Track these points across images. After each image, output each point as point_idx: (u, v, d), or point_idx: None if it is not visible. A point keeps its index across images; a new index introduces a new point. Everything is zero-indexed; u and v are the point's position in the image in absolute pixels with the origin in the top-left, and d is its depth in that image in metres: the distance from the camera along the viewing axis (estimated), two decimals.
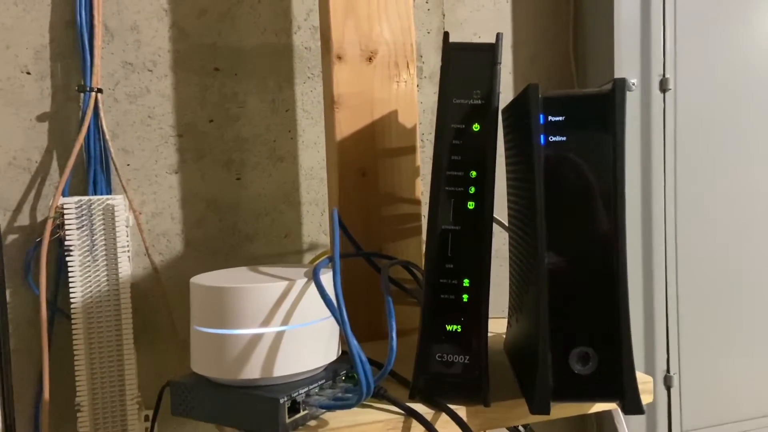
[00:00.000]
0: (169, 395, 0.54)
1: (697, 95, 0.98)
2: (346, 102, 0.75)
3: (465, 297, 0.53)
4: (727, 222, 1.01)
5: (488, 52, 0.53)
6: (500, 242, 1.01)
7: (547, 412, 0.50)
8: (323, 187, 0.92)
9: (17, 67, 0.79)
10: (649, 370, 0.98)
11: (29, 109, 0.79)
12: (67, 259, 0.73)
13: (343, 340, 0.51)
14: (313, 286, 0.52)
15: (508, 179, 0.67)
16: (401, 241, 0.78)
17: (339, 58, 0.75)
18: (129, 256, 0.76)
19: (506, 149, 0.66)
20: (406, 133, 0.78)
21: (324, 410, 0.52)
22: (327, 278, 0.53)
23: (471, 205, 0.53)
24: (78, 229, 0.73)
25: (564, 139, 0.50)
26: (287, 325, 0.51)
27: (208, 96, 0.87)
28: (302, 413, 0.50)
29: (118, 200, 0.75)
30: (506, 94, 1.03)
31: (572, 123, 0.50)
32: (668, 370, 0.98)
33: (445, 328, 0.53)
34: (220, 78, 0.87)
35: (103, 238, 0.74)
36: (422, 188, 0.84)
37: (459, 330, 0.53)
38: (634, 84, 0.95)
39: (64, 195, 0.77)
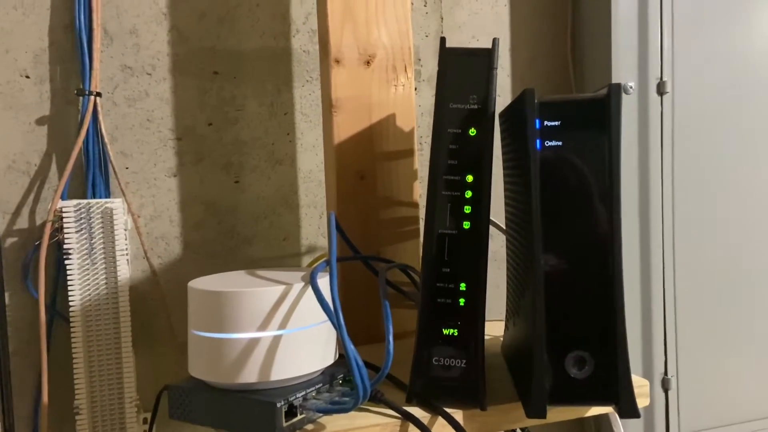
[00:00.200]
0: (166, 399, 0.54)
1: (695, 98, 0.98)
2: (344, 105, 0.75)
3: (462, 301, 0.53)
4: (725, 224, 1.01)
5: (485, 57, 0.53)
6: (499, 245, 1.01)
7: (544, 416, 0.50)
8: (322, 190, 0.93)
9: (16, 70, 0.79)
10: (647, 373, 0.98)
11: (28, 113, 0.79)
12: (66, 262, 0.73)
13: (341, 343, 0.51)
14: (310, 290, 0.52)
15: (505, 183, 0.67)
16: (399, 244, 0.78)
17: (337, 61, 0.75)
18: (128, 260, 0.76)
19: (503, 153, 0.66)
20: (404, 137, 0.78)
21: (321, 414, 0.52)
22: (324, 282, 0.53)
23: (468, 209, 0.53)
24: (77, 232, 0.74)
25: (560, 143, 0.51)
26: (284, 329, 0.51)
27: (207, 99, 0.87)
28: (299, 417, 0.50)
29: (116, 203, 0.75)
30: (504, 97, 1.03)
31: (568, 128, 0.50)
32: (666, 373, 0.98)
33: (442, 332, 0.54)
34: (219, 81, 0.88)
35: (101, 241, 0.75)
36: (420, 191, 0.84)
37: (456, 334, 0.53)
38: (631, 87, 0.95)
39: (62, 198, 0.77)
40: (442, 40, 0.55)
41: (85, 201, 0.74)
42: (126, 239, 0.76)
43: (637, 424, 0.98)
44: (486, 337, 0.55)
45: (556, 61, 1.05)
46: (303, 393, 0.51)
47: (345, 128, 0.76)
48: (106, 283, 0.75)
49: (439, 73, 0.54)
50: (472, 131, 0.53)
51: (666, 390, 0.98)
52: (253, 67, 0.89)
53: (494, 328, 0.79)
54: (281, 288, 0.51)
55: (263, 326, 0.51)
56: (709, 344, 1.00)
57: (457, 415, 0.53)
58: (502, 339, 0.73)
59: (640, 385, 0.58)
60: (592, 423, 1.02)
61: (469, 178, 0.53)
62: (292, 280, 0.53)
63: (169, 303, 0.83)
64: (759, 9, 1.01)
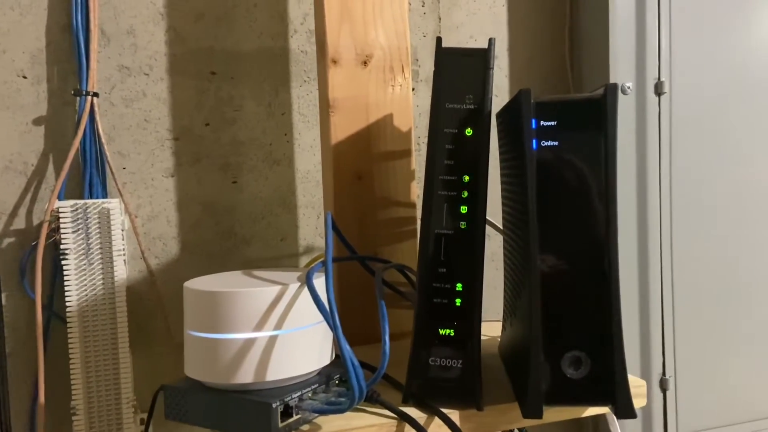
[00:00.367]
0: (162, 399, 0.54)
1: (693, 99, 0.98)
2: (342, 106, 0.75)
3: (458, 301, 0.53)
4: (723, 225, 1.01)
5: (481, 57, 0.53)
6: (496, 246, 1.01)
7: (540, 417, 0.50)
8: (319, 191, 0.93)
9: (14, 71, 0.79)
10: (645, 373, 0.98)
11: (25, 113, 0.79)
12: (63, 262, 0.73)
13: (337, 343, 0.51)
14: (306, 290, 0.52)
15: (502, 183, 0.67)
16: (396, 245, 0.78)
17: (334, 62, 0.75)
18: (125, 260, 0.76)
19: (500, 153, 0.66)
20: (401, 137, 0.78)
21: (317, 414, 0.52)
22: (320, 282, 0.53)
23: (464, 209, 0.53)
24: (74, 232, 0.74)
25: (556, 143, 0.50)
26: (280, 329, 0.51)
27: (205, 100, 0.87)
28: (295, 417, 0.50)
29: (113, 204, 0.75)
30: (502, 97, 1.03)
31: (564, 128, 0.50)
32: (664, 373, 0.98)
33: (439, 332, 0.54)
34: (217, 82, 0.88)
35: (98, 241, 0.74)
36: (417, 192, 0.84)
37: (452, 334, 0.53)
38: (629, 87, 0.95)
39: (59, 198, 0.77)
40: (438, 39, 0.55)
41: (82, 201, 0.74)
42: (123, 240, 0.76)
43: (636, 424, 0.98)
44: (483, 338, 0.55)
45: (554, 62, 1.05)
46: (299, 393, 0.51)
47: (342, 128, 0.76)
48: (103, 284, 0.75)
49: (435, 73, 0.54)
50: (469, 131, 0.53)
51: (664, 390, 0.98)
52: (250, 67, 0.89)
53: (491, 329, 0.79)
54: (277, 288, 0.51)
55: (259, 326, 0.50)
56: (708, 344, 1.00)
57: (454, 415, 0.53)
58: (499, 339, 0.73)
59: (636, 385, 0.58)
60: (590, 423, 1.02)
61: (466, 178, 0.53)
62: (288, 281, 0.53)
63: (167, 303, 0.83)
64: (757, 9, 1.01)
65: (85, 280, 0.74)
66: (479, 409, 0.53)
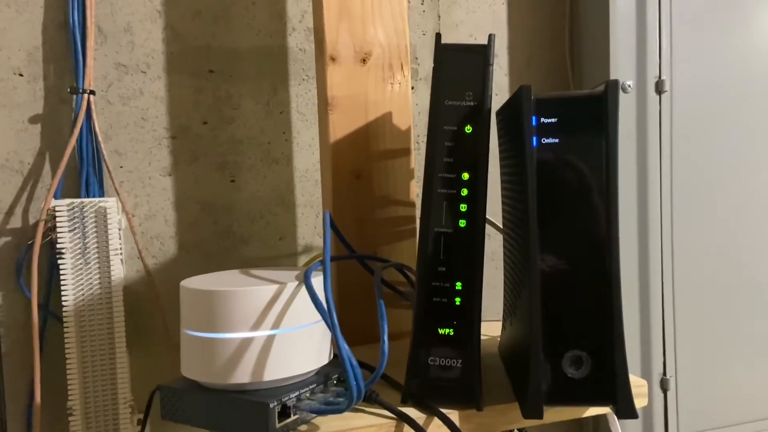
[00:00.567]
0: (159, 399, 0.53)
1: (694, 97, 0.98)
2: (340, 104, 0.75)
3: (457, 300, 0.53)
4: (724, 224, 1.00)
5: (480, 54, 0.53)
6: (496, 245, 1.01)
7: (540, 417, 0.49)
8: (318, 190, 0.92)
9: (9, 69, 0.78)
10: (646, 373, 0.97)
11: (21, 111, 0.79)
12: (59, 262, 0.73)
13: (336, 343, 0.50)
14: (304, 290, 0.52)
15: (502, 181, 0.66)
16: (396, 244, 0.78)
17: (333, 59, 0.75)
18: (122, 259, 0.76)
19: (500, 151, 0.65)
20: (401, 135, 0.78)
21: (315, 415, 0.51)
22: (318, 281, 0.53)
23: (463, 207, 0.53)
24: (70, 231, 0.73)
25: (557, 140, 0.50)
26: (278, 328, 0.51)
27: (202, 98, 0.87)
28: (293, 418, 0.50)
29: (110, 203, 0.74)
30: (502, 95, 1.02)
31: (565, 125, 0.50)
32: (665, 373, 0.98)
33: (438, 332, 0.53)
34: (214, 80, 0.87)
35: (95, 240, 0.74)
36: (417, 190, 0.84)
37: (452, 333, 0.53)
38: (629, 86, 0.95)
39: (56, 197, 0.76)
40: (438, 35, 0.54)
41: (78, 200, 0.73)
42: (120, 239, 0.76)
43: (636, 424, 0.97)
44: (483, 337, 0.54)
45: (554, 60, 1.05)
46: (296, 393, 0.50)
47: (341, 127, 0.75)
48: (99, 283, 0.74)
49: (434, 69, 0.54)
50: (468, 128, 0.53)
51: (665, 390, 0.98)
52: (248, 65, 0.89)
53: (491, 329, 0.79)
54: (274, 287, 0.51)
55: (256, 326, 0.50)
56: (709, 344, 1.00)
57: (453, 415, 0.52)
58: (499, 339, 0.73)
59: (638, 385, 0.57)
60: (590, 423, 1.01)
61: (465, 176, 0.53)
62: (286, 279, 0.53)
63: (164, 303, 0.83)
64: (758, 8, 1.01)
65: (81, 279, 0.73)
66: (479, 410, 0.53)
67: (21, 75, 0.79)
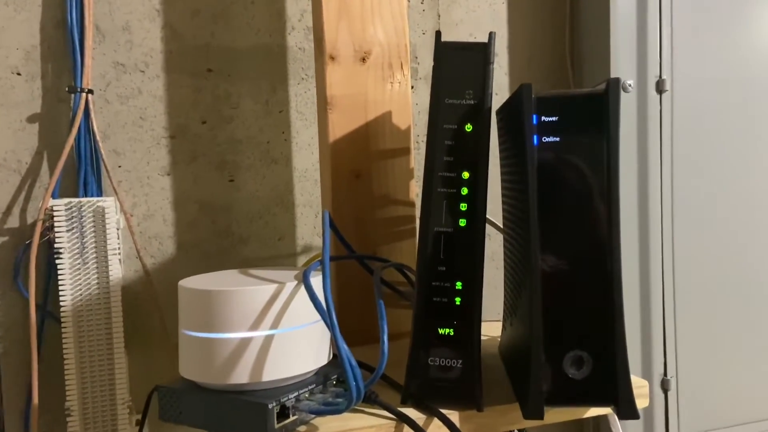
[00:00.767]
0: (157, 400, 0.53)
1: (694, 96, 0.97)
2: (340, 103, 0.75)
3: (458, 300, 0.52)
4: (725, 224, 1.00)
5: (480, 52, 0.52)
6: (497, 245, 1.00)
7: (541, 417, 0.49)
8: (317, 189, 0.92)
9: (7, 68, 0.78)
10: (646, 373, 0.97)
11: (19, 111, 0.78)
12: (57, 261, 0.72)
13: (335, 343, 0.50)
14: (303, 289, 0.51)
15: (502, 180, 0.66)
16: (395, 244, 0.77)
17: (332, 58, 0.74)
18: (120, 259, 0.75)
19: (500, 150, 0.65)
20: (400, 135, 0.77)
21: (314, 415, 0.51)
22: (317, 281, 0.52)
23: (464, 206, 0.53)
24: (68, 231, 0.73)
25: (557, 139, 0.50)
26: (277, 328, 0.50)
27: (201, 97, 0.86)
28: (292, 418, 0.50)
29: (108, 202, 0.74)
30: (502, 95, 1.02)
31: (566, 123, 0.50)
32: (665, 374, 0.98)
33: (438, 332, 0.53)
34: (213, 79, 0.87)
35: (93, 240, 0.73)
36: (417, 190, 0.83)
37: (452, 334, 0.52)
38: (630, 85, 0.95)
39: (54, 197, 0.76)
40: (437, 34, 0.54)
41: (76, 200, 0.73)
42: (118, 238, 0.75)
43: (637, 425, 0.97)
44: (483, 338, 0.54)
45: (554, 59, 1.04)
46: (296, 394, 0.50)
47: (340, 126, 0.75)
48: (97, 283, 0.74)
49: (434, 68, 0.53)
50: (468, 127, 0.53)
51: (665, 391, 0.98)
52: (247, 64, 0.88)
53: (492, 329, 0.78)
54: (273, 287, 0.50)
55: (255, 326, 0.50)
56: (709, 344, 1.00)
57: (453, 416, 0.52)
58: (499, 339, 0.72)
59: (639, 385, 0.57)
60: (591, 424, 1.01)
61: (466, 175, 0.53)
62: (285, 279, 0.52)
63: (162, 303, 0.82)
64: (759, 7, 1.00)
65: (79, 279, 0.73)
66: (479, 410, 0.52)
67: (19, 74, 0.78)
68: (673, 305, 0.98)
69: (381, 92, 0.77)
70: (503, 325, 0.69)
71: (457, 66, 0.52)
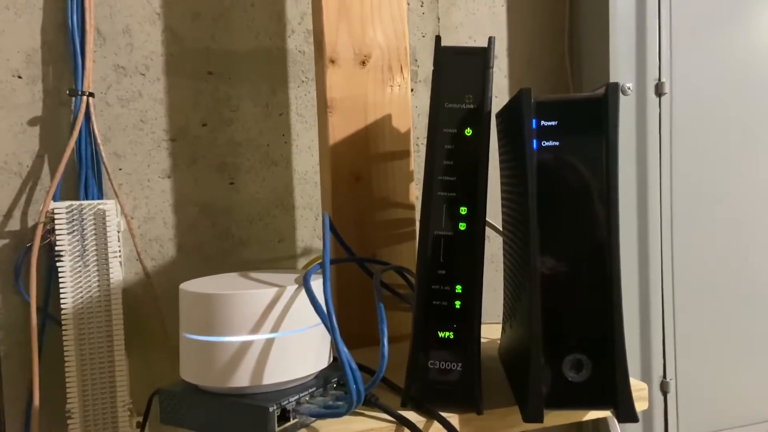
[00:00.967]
0: (158, 403, 0.53)
1: (693, 100, 0.98)
2: (340, 106, 0.75)
3: (457, 303, 0.53)
4: (724, 226, 1.00)
5: (480, 56, 0.53)
6: (496, 247, 1.01)
7: (541, 420, 0.49)
8: (317, 192, 0.92)
9: (8, 71, 0.78)
10: (646, 376, 0.97)
11: (20, 113, 0.79)
12: (58, 264, 0.72)
13: (335, 346, 0.50)
14: (303, 293, 0.52)
15: (502, 184, 0.66)
16: (395, 246, 0.78)
17: (332, 61, 0.74)
18: (120, 262, 0.76)
19: (500, 154, 0.65)
20: (400, 138, 0.78)
21: (314, 419, 0.51)
22: (318, 284, 0.52)
23: (463, 210, 0.53)
24: (69, 234, 0.73)
25: (557, 143, 0.50)
26: (277, 332, 0.50)
27: (201, 100, 0.86)
28: (292, 422, 0.50)
29: (109, 205, 0.74)
30: (502, 98, 1.02)
31: (565, 128, 0.50)
32: (665, 376, 0.98)
33: (438, 335, 0.53)
34: (214, 82, 0.87)
35: (94, 243, 0.74)
36: (416, 193, 0.84)
37: (451, 337, 0.53)
38: (629, 88, 0.95)
39: (54, 200, 0.76)
40: (437, 38, 0.54)
41: (77, 202, 0.73)
42: (119, 241, 0.75)
43: (636, 427, 0.97)
44: (483, 340, 0.54)
45: (553, 63, 1.05)
46: (296, 397, 0.50)
47: (340, 129, 0.75)
48: (98, 286, 0.74)
49: (434, 72, 0.53)
50: (468, 131, 0.53)
51: (665, 393, 0.98)
52: (248, 67, 0.88)
53: (491, 331, 0.78)
54: (274, 290, 0.50)
55: (255, 329, 0.50)
56: (709, 346, 1.00)
57: (453, 419, 0.52)
58: (499, 342, 0.72)
59: (638, 388, 0.57)
60: (590, 427, 1.01)
61: (465, 179, 0.53)
62: (285, 282, 0.53)
63: (163, 306, 0.83)
64: (758, 10, 1.01)
65: (80, 282, 0.73)
66: (479, 413, 0.52)
67: (20, 77, 0.79)
68: (672, 307, 0.98)
69: (381, 95, 0.77)
70: (503, 328, 0.69)
71: (457, 70, 0.53)
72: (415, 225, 0.78)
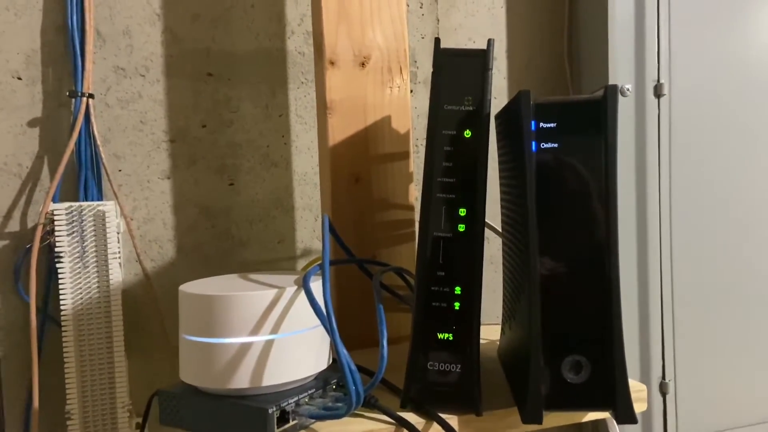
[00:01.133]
0: (158, 404, 0.53)
1: (692, 101, 0.98)
2: (339, 107, 0.75)
3: (457, 305, 0.53)
4: (723, 227, 1.01)
5: (479, 58, 0.53)
6: (495, 248, 1.01)
7: (540, 422, 0.49)
8: (317, 193, 0.92)
9: (8, 72, 0.78)
10: (645, 377, 0.97)
11: (20, 115, 0.79)
12: (58, 265, 0.73)
13: (334, 348, 0.50)
14: (303, 294, 0.52)
15: (501, 185, 0.66)
16: (395, 247, 0.78)
17: (332, 63, 0.75)
18: (120, 263, 0.76)
19: (499, 155, 0.65)
20: (400, 139, 0.78)
21: (314, 420, 0.51)
22: (317, 286, 0.53)
23: (462, 211, 0.53)
24: (68, 235, 0.73)
25: (556, 145, 0.50)
26: (277, 333, 0.50)
27: (201, 101, 0.87)
28: (291, 423, 0.50)
29: (109, 206, 0.74)
30: (501, 99, 1.02)
31: (564, 129, 0.50)
32: (664, 377, 0.98)
33: (437, 336, 0.53)
34: (213, 83, 0.87)
35: (93, 244, 0.74)
36: (416, 194, 0.84)
37: (451, 338, 0.53)
38: (628, 89, 0.95)
39: (54, 201, 0.76)
40: (437, 40, 0.54)
41: (76, 204, 0.73)
42: (118, 242, 0.75)
43: (635, 428, 0.97)
44: (482, 341, 0.54)
45: (552, 64, 1.05)
46: (295, 398, 0.50)
47: (340, 130, 0.75)
48: (98, 287, 0.74)
49: (433, 74, 0.53)
50: (467, 133, 0.53)
51: (664, 394, 0.98)
52: (247, 68, 0.89)
53: (490, 332, 0.79)
54: (273, 292, 0.51)
55: (255, 331, 0.50)
56: (708, 348, 1.00)
57: (453, 420, 0.52)
58: (498, 343, 0.73)
59: (637, 390, 0.57)
60: (589, 428, 1.01)
61: (465, 181, 0.53)
62: (285, 284, 0.53)
63: (163, 307, 0.83)
64: (757, 11, 1.01)
65: (80, 283, 0.73)
66: (478, 414, 0.52)
67: (19, 78, 0.79)
68: (671, 309, 0.98)
69: (380, 96, 0.77)
70: (502, 329, 0.70)
71: (456, 72, 0.53)
72: (414, 226, 0.78)
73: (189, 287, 0.53)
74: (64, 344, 0.73)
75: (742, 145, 1.01)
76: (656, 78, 0.96)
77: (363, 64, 0.76)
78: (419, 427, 0.51)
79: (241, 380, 0.50)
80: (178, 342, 0.53)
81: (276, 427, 0.48)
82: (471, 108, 0.53)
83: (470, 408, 0.52)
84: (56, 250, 0.73)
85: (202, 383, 0.51)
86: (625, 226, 0.96)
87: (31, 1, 0.78)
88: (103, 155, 0.79)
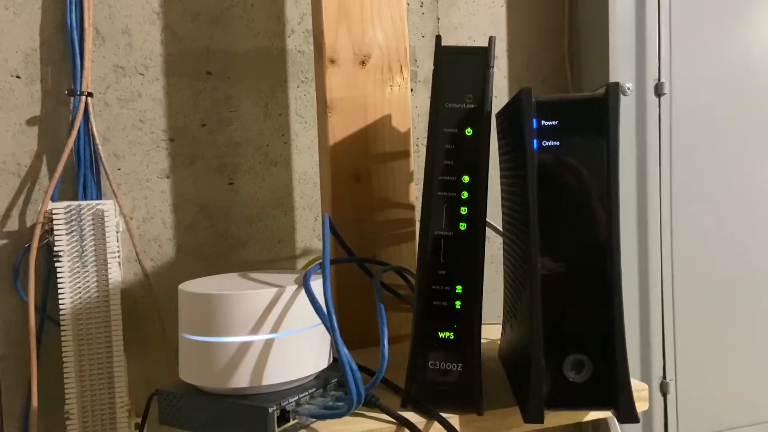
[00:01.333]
0: (157, 404, 0.53)
1: (693, 100, 0.98)
2: (339, 106, 0.75)
3: (458, 303, 0.52)
4: (724, 226, 1.00)
5: (481, 56, 0.52)
6: (496, 247, 1.00)
7: (541, 421, 0.49)
8: (317, 192, 0.92)
9: (7, 71, 0.78)
10: (645, 377, 0.97)
11: (19, 114, 0.78)
12: (56, 264, 0.72)
13: (335, 347, 0.50)
14: (303, 293, 0.51)
15: (502, 184, 0.66)
16: (395, 247, 0.77)
17: (332, 62, 0.74)
18: (119, 262, 0.75)
19: (500, 153, 0.65)
20: (400, 138, 0.77)
21: (314, 419, 0.51)
22: (317, 285, 0.52)
23: (464, 210, 0.53)
24: (67, 234, 0.73)
25: (557, 143, 0.50)
26: (277, 332, 0.50)
27: (201, 100, 0.86)
28: (292, 422, 0.50)
29: (108, 205, 0.74)
30: (502, 98, 1.02)
31: (566, 127, 0.50)
32: (664, 377, 0.98)
33: (438, 336, 0.53)
34: (213, 82, 0.87)
35: (92, 243, 0.73)
36: (416, 193, 0.83)
37: (452, 337, 0.52)
38: (629, 88, 0.95)
39: (53, 200, 0.76)
40: (438, 38, 0.54)
41: (75, 203, 0.73)
42: (118, 241, 0.75)
43: (636, 428, 0.97)
44: (483, 341, 0.54)
45: (553, 63, 1.05)
46: (296, 398, 0.50)
47: (340, 129, 0.75)
48: (97, 286, 0.74)
49: (434, 72, 0.53)
50: (469, 131, 0.53)
51: (665, 394, 0.98)
52: (247, 67, 0.88)
53: (491, 332, 0.78)
54: (273, 290, 0.50)
55: (255, 330, 0.50)
56: (708, 347, 1.00)
57: (453, 420, 0.52)
58: (499, 342, 0.72)
59: (639, 389, 0.57)
60: (590, 427, 1.01)
61: (466, 179, 0.53)
62: (285, 283, 0.52)
63: (162, 306, 0.82)
64: (757, 10, 1.01)
65: (79, 282, 0.73)
66: (479, 414, 0.52)
67: (18, 77, 0.78)
68: (672, 308, 0.98)
69: (380, 95, 0.77)
70: (503, 328, 0.69)
71: (457, 70, 0.52)
72: (415, 225, 0.78)
73: (188, 286, 0.53)
74: (63, 344, 0.73)
75: (742, 143, 1.01)
76: (657, 77, 0.96)
77: (363, 62, 0.76)
78: (420, 426, 0.51)
79: (242, 379, 0.49)
80: (178, 341, 0.53)
81: (276, 426, 0.48)
82: (472, 106, 0.52)
83: (471, 407, 0.52)
84: (55, 249, 0.73)
85: (202, 382, 0.51)
86: (626, 226, 0.96)
87: None
88: (102, 154, 0.79)
